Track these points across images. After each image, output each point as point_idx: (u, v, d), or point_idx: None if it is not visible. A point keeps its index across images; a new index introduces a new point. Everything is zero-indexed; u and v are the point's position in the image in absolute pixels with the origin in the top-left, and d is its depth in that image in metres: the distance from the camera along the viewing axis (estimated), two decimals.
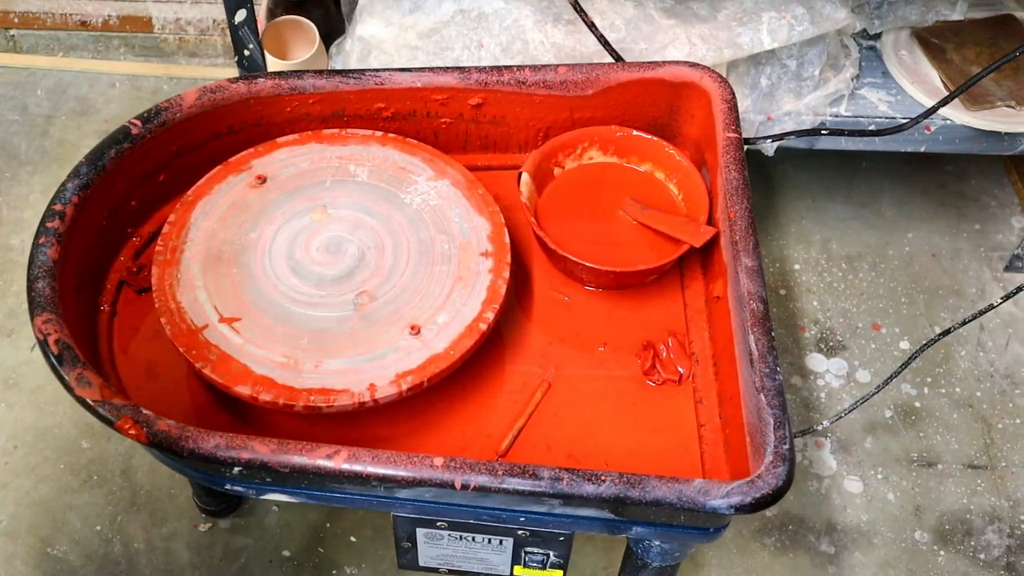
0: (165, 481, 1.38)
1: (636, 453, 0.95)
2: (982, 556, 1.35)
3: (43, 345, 0.85)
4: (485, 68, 1.10)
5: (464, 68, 1.10)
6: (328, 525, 1.35)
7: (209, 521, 1.35)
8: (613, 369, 1.01)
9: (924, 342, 1.31)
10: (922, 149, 1.48)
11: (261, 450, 0.81)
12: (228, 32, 1.33)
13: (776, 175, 1.79)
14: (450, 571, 1.00)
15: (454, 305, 0.97)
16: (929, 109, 1.38)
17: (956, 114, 1.44)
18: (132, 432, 0.82)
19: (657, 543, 0.92)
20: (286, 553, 1.32)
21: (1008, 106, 1.44)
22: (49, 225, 0.93)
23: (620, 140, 1.14)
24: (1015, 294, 1.26)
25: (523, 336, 1.04)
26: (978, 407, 1.49)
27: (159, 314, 0.95)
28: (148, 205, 1.08)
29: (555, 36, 1.33)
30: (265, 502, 1.37)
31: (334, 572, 1.31)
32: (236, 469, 0.83)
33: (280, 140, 1.11)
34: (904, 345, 1.56)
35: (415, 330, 0.95)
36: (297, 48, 1.50)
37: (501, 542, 0.94)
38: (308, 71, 1.10)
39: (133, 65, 1.96)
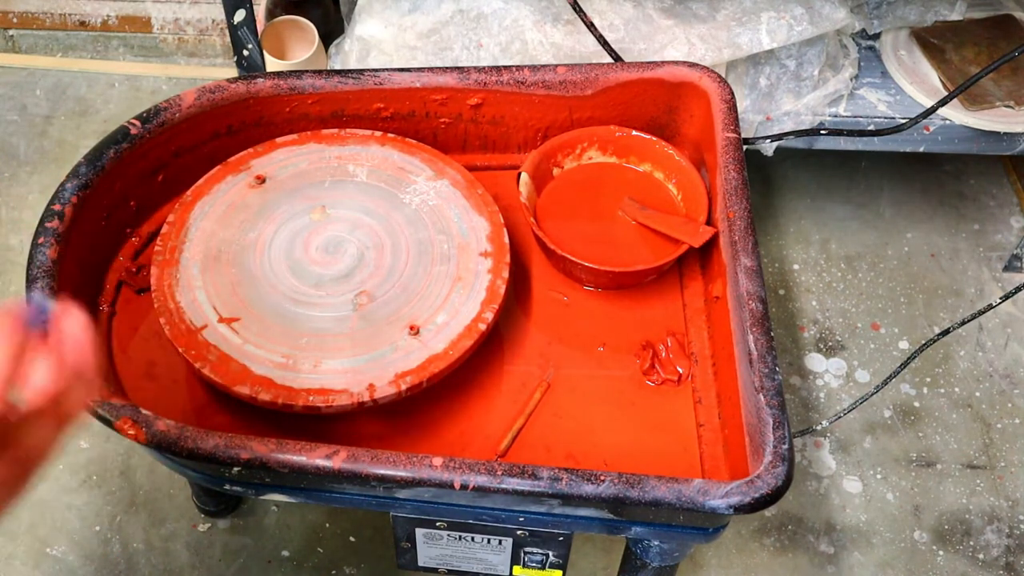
0: (164, 481, 1.38)
1: (635, 453, 0.95)
2: (981, 556, 1.35)
3: None
4: (484, 68, 1.10)
5: (463, 68, 1.10)
6: (327, 525, 1.35)
7: (208, 521, 1.35)
8: (612, 369, 1.01)
9: (923, 342, 1.31)
10: (921, 149, 1.48)
11: (260, 450, 0.81)
12: (227, 32, 1.33)
13: (775, 175, 1.79)
14: (449, 571, 1.00)
15: (453, 305, 0.97)
16: (928, 109, 1.38)
17: (955, 114, 1.44)
18: (131, 432, 0.82)
19: (656, 543, 0.92)
20: (285, 553, 1.32)
21: (1007, 106, 1.44)
22: (48, 225, 0.93)
23: (619, 140, 1.14)
24: (1014, 294, 1.26)
25: (522, 336, 1.04)
26: (977, 407, 1.50)
27: (158, 314, 0.95)
28: (147, 205, 1.08)
29: (554, 36, 1.33)
30: (264, 502, 1.37)
31: (333, 572, 1.31)
32: (235, 469, 0.83)
33: (279, 140, 1.11)
34: (903, 345, 1.56)
35: (414, 330, 0.95)
36: (296, 48, 1.50)
37: (500, 542, 0.94)
38: (307, 71, 1.10)
39: (132, 65, 1.96)
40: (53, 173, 1.75)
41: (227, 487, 0.91)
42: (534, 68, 1.11)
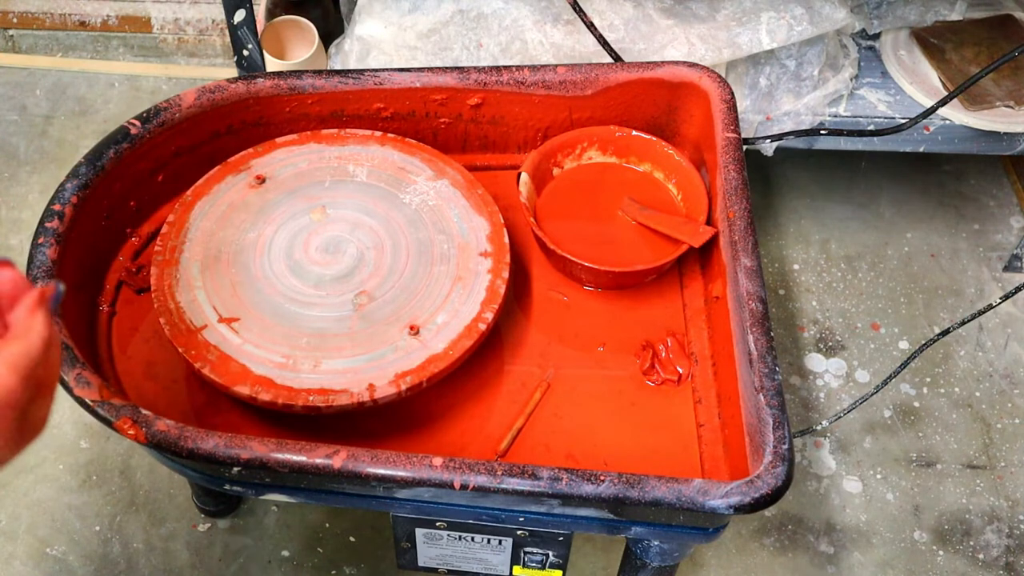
0: (164, 481, 1.38)
1: (635, 453, 0.95)
2: (981, 556, 1.35)
3: None
4: (484, 68, 1.10)
5: (463, 68, 1.10)
6: (327, 525, 1.35)
7: (208, 521, 1.35)
8: (612, 369, 1.01)
9: (923, 342, 1.31)
10: (921, 149, 1.48)
11: (260, 450, 0.81)
12: (227, 32, 1.33)
13: (775, 175, 1.79)
14: (449, 571, 1.00)
15: (453, 305, 0.97)
16: (928, 109, 1.38)
17: (955, 114, 1.44)
18: (131, 432, 0.82)
19: (656, 543, 0.92)
20: (285, 553, 1.32)
21: (1007, 106, 1.44)
22: (48, 225, 0.93)
23: (619, 140, 1.14)
24: (1014, 294, 1.26)
25: (522, 336, 1.04)
26: (977, 407, 1.50)
27: (158, 314, 0.95)
28: (147, 205, 1.08)
29: (554, 36, 1.33)
30: (264, 502, 1.37)
31: (333, 572, 1.31)
32: (235, 469, 0.83)
33: (279, 140, 1.11)
34: (903, 345, 1.56)
35: (414, 330, 0.95)
36: (296, 48, 1.50)
37: (500, 542, 0.94)
38: (307, 71, 1.10)
39: (132, 65, 1.96)
40: (53, 173, 1.75)
41: (227, 487, 0.91)
42: (534, 68, 1.11)
